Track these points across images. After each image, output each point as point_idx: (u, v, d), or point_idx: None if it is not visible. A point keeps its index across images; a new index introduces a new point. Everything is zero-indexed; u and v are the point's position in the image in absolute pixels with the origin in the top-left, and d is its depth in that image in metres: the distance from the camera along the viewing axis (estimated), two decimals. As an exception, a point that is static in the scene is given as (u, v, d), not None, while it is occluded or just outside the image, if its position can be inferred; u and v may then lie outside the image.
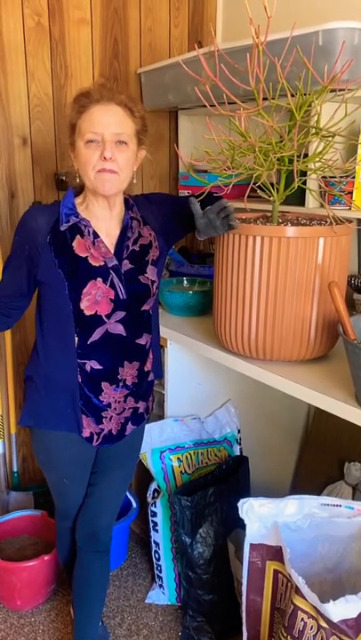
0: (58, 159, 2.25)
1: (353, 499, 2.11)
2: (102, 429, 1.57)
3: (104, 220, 1.50)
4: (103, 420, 1.56)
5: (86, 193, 1.49)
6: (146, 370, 1.62)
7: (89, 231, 1.47)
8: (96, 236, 1.48)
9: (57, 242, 1.44)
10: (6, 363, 2.28)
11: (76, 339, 1.48)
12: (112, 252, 1.50)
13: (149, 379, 1.65)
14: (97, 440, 1.58)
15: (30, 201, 2.23)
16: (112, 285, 1.48)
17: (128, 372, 1.56)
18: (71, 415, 1.54)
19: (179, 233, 1.67)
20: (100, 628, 1.86)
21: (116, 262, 1.49)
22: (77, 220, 1.46)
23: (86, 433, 1.55)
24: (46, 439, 1.60)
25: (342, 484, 2.16)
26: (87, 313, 1.46)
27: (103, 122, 1.38)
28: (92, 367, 1.51)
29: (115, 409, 1.57)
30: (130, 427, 1.63)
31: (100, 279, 1.46)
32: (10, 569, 1.98)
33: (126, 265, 1.51)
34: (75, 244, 1.45)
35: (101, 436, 1.58)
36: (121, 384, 1.55)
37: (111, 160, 1.38)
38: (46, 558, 1.99)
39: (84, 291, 1.45)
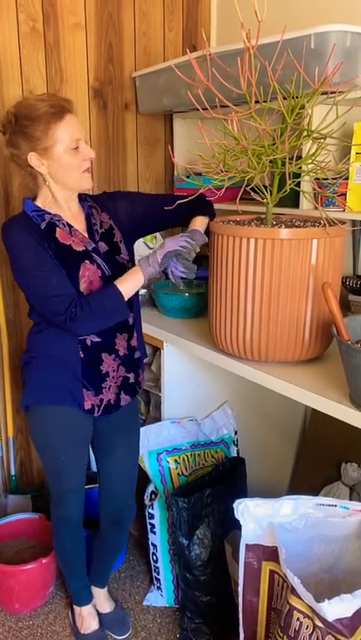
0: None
1: (350, 499, 2.12)
2: (102, 400, 1.65)
3: (71, 211, 1.62)
4: (103, 389, 1.64)
5: (47, 194, 1.58)
6: (132, 345, 1.71)
7: (63, 224, 1.58)
8: (70, 226, 1.59)
9: (44, 237, 1.53)
10: (3, 367, 2.28)
11: None
12: (87, 237, 1.62)
13: (136, 356, 1.74)
14: (98, 411, 1.65)
15: (26, 205, 2.23)
16: (98, 265, 1.59)
17: (120, 343, 1.66)
18: (73, 390, 1.61)
19: (142, 230, 1.81)
20: (119, 608, 2.03)
21: (94, 245, 1.61)
22: (51, 217, 1.57)
23: (88, 405, 1.62)
24: (46, 415, 1.65)
25: (339, 485, 2.16)
26: (85, 293, 1.56)
27: (79, 127, 1.54)
28: (91, 341, 1.60)
29: (112, 378, 1.66)
30: (123, 396, 1.71)
31: (87, 261, 1.57)
32: (8, 572, 1.98)
33: (103, 247, 1.63)
34: (57, 235, 1.55)
35: (102, 407, 1.65)
36: (117, 354, 1.65)
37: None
38: (44, 561, 1.99)
39: (80, 274, 1.55)
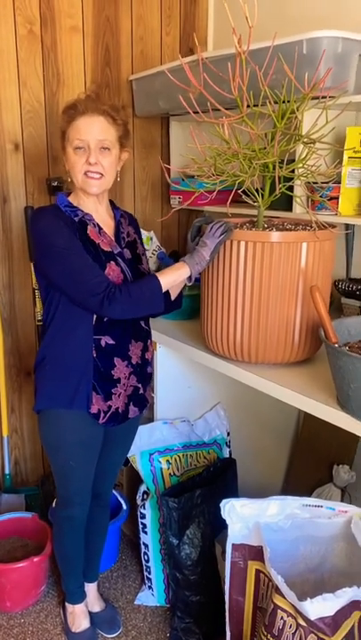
0: (50, 165, 2.28)
1: (342, 501, 2.13)
2: (110, 407, 1.65)
3: (99, 214, 1.66)
4: (112, 396, 1.65)
5: (77, 192, 1.64)
6: (146, 357, 1.74)
7: (94, 223, 1.62)
8: (100, 227, 1.63)
9: (76, 229, 1.58)
10: (-2, 366, 2.30)
11: (94, 316, 1.59)
12: (114, 241, 1.66)
13: (149, 371, 1.77)
14: (103, 418, 1.65)
15: (22, 206, 2.25)
16: (121, 270, 1.63)
17: (134, 351, 1.68)
18: (82, 391, 1.61)
19: None
20: (110, 607, 2.04)
21: (120, 249, 1.65)
22: (83, 214, 1.61)
23: (94, 409, 1.63)
24: (57, 419, 1.66)
25: (331, 487, 2.18)
26: None
27: (88, 131, 1.54)
28: (106, 342, 1.61)
29: (123, 385, 1.67)
30: (132, 408, 1.72)
31: (112, 262, 1.61)
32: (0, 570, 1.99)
33: (127, 254, 1.68)
34: (88, 231, 1.60)
35: (108, 414, 1.65)
36: (129, 361, 1.67)
37: (95, 165, 1.56)
38: (36, 560, 2.00)
39: (105, 272, 1.57)
